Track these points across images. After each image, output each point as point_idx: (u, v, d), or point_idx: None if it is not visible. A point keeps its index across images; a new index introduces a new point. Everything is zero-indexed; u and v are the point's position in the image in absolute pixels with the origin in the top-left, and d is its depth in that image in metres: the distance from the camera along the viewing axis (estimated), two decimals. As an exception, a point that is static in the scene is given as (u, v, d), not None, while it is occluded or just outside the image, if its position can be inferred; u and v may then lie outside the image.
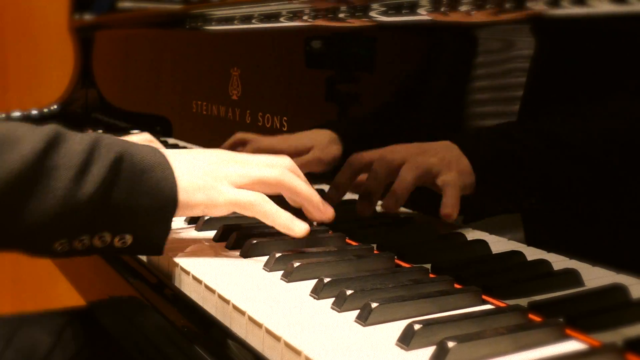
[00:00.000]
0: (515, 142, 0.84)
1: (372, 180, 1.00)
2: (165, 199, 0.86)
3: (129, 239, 0.86)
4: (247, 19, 1.35)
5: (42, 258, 0.89)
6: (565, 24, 0.77)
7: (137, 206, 0.85)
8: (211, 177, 0.91)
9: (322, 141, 1.15)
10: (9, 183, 0.79)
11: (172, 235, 1.00)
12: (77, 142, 0.84)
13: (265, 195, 0.92)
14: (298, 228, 0.92)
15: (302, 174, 0.97)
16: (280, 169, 0.95)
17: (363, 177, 1.03)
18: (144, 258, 0.99)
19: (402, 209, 1.00)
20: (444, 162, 0.91)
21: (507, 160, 0.85)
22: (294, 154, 1.08)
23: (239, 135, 1.33)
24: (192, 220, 1.08)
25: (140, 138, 1.27)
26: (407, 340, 0.65)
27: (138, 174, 0.85)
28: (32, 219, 0.81)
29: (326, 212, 0.97)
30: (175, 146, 1.65)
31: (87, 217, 0.83)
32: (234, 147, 1.34)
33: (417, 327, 0.65)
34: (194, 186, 0.89)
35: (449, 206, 0.90)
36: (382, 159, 0.99)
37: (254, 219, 0.99)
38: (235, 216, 1.07)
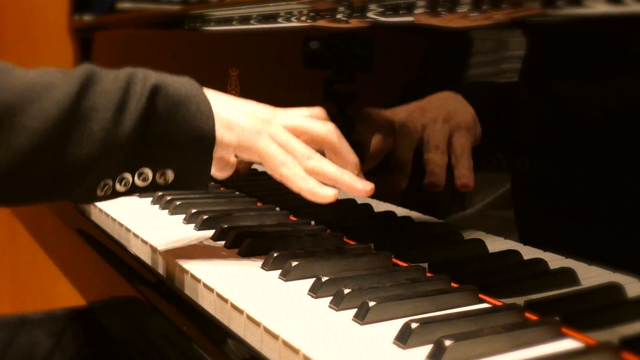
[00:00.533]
0: (507, 143, 0.84)
1: (401, 152, 0.95)
2: (201, 132, 0.83)
3: (170, 174, 0.85)
4: (245, 19, 1.35)
5: (87, 203, 0.86)
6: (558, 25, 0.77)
7: (174, 139, 0.83)
8: (252, 118, 0.87)
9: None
10: (47, 131, 0.77)
11: (171, 236, 1.00)
12: (111, 80, 0.82)
13: (294, 159, 0.86)
14: (324, 192, 0.84)
15: (343, 143, 0.90)
16: (330, 126, 0.90)
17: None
18: (143, 257, 1.00)
19: (399, 209, 1.00)
20: (453, 122, 0.88)
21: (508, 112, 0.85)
22: None
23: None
24: (191, 220, 1.08)
25: None
26: (404, 338, 0.65)
27: (174, 107, 0.82)
28: (74, 164, 0.79)
29: (365, 185, 0.87)
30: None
31: (127, 155, 0.82)
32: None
33: (414, 325, 0.66)
34: (233, 122, 0.85)
35: (464, 176, 0.87)
36: (403, 129, 0.94)
37: (250, 219, 1.00)
38: (233, 217, 1.07)
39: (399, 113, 0.96)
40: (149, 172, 0.84)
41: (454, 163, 0.89)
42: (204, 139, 0.84)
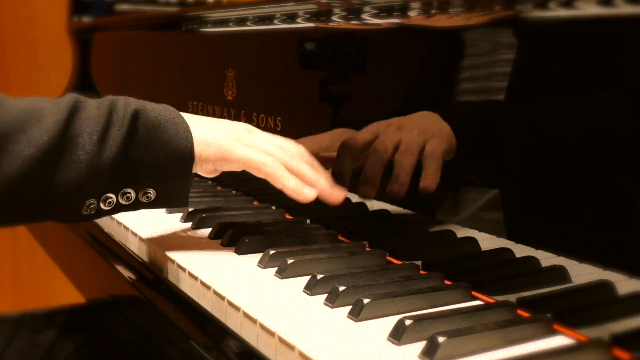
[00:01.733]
0: (499, 143, 0.84)
1: (373, 165, 0.96)
2: (181, 152, 0.87)
3: (152, 193, 0.88)
4: (241, 21, 1.35)
5: (73, 223, 0.89)
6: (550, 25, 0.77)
7: (155, 160, 0.86)
8: (227, 134, 0.91)
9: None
10: (38, 157, 0.80)
11: (169, 233, 1.00)
12: (94, 107, 0.85)
13: (277, 160, 0.90)
14: (307, 191, 0.90)
15: (314, 161, 0.95)
16: (292, 153, 0.93)
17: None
18: (142, 255, 0.99)
19: (394, 207, 1.00)
20: (428, 134, 0.90)
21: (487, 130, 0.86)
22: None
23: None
24: (189, 219, 1.08)
25: None
26: (398, 335, 0.65)
27: (154, 130, 0.86)
28: (61, 187, 0.82)
29: (338, 195, 0.93)
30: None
31: (110, 176, 0.85)
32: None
33: (408, 322, 0.65)
34: (209, 139, 0.89)
35: (428, 178, 0.89)
36: (382, 144, 0.95)
37: (247, 218, 0.99)
38: (230, 214, 1.07)
39: (378, 129, 0.97)
40: (132, 192, 0.88)
41: (423, 166, 0.90)
42: (183, 158, 0.87)
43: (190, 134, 0.88)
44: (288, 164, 0.91)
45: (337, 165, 0.99)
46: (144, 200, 0.88)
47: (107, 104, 0.86)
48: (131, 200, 0.88)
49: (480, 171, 0.88)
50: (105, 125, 0.84)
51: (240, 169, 0.92)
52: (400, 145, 0.93)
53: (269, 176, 0.90)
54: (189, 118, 0.90)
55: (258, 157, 0.90)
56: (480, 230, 0.88)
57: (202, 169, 0.92)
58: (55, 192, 0.82)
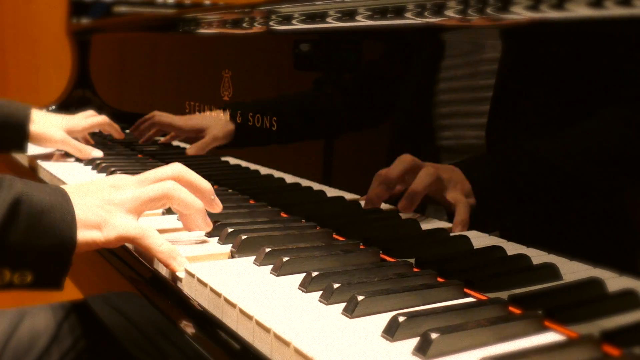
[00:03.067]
0: (492, 142, 0.84)
1: (408, 206, 0.97)
2: (63, 239, 0.85)
3: (28, 275, 0.85)
4: (238, 22, 1.35)
5: None
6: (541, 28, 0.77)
7: (36, 245, 0.83)
8: (107, 209, 0.90)
9: (216, 123, 1.36)
10: None
11: (166, 231, 1.00)
12: None
13: (151, 228, 0.91)
14: (178, 262, 0.89)
15: (194, 176, 0.98)
16: (166, 184, 0.95)
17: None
18: (138, 253, 0.99)
19: (388, 206, 0.99)
20: (453, 182, 0.90)
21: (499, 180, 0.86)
22: (194, 133, 1.42)
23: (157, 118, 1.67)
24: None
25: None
26: (392, 331, 0.65)
27: (37, 215, 0.84)
28: None
29: (208, 223, 0.98)
30: (169, 146, 1.65)
31: None
32: (149, 128, 1.68)
33: (401, 319, 0.65)
34: (91, 223, 0.88)
35: (460, 223, 0.89)
36: (419, 186, 0.95)
37: (242, 216, 0.99)
38: (225, 213, 1.07)
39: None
40: (7, 273, 0.84)
41: (455, 209, 0.90)
42: (65, 245, 0.85)
43: (75, 219, 0.86)
44: (169, 195, 0.94)
45: (370, 194, 1.02)
46: (18, 282, 0.85)
47: None
48: (5, 281, 0.84)
49: (474, 174, 0.87)
50: None
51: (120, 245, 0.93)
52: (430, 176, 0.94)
53: (143, 249, 0.90)
54: (75, 197, 0.89)
55: (132, 231, 0.90)
56: (472, 229, 0.88)
57: (90, 249, 0.91)
58: None
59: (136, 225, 0.90)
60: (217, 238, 0.98)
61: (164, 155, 1.63)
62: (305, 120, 1.18)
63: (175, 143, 1.63)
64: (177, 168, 0.98)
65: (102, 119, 1.78)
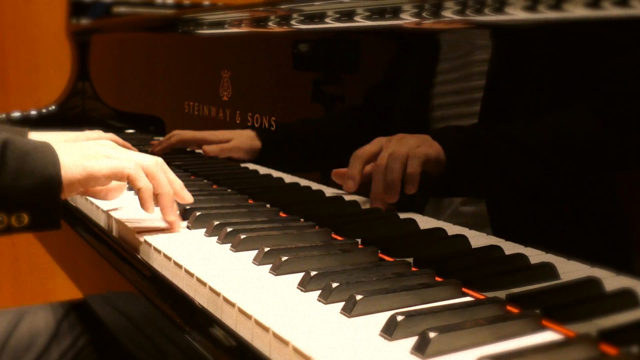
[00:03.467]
0: (488, 142, 0.84)
1: (391, 173, 0.99)
2: (49, 176, 0.90)
3: (25, 217, 0.90)
4: (236, 23, 1.35)
5: None
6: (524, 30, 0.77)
7: (25, 186, 0.88)
8: (93, 154, 0.97)
9: (241, 135, 1.34)
10: None
11: (166, 231, 1.00)
12: None
13: (140, 169, 0.98)
14: (151, 207, 0.99)
15: (170, 172, 1.04)
16: (151, 161, 1.01)
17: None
18: (139, 252, 0.99)
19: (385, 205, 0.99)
20: (416, 146, 0.94)
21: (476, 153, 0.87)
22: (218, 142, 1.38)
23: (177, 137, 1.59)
24: (184, 217, 1.08)
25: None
26: (390, 330, 0.65)
27: (22, 157, 0.89)
28: None
29: (174, 221, 1.02)
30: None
31: None
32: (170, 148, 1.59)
33: (399, 318, 0.65)
34: (75, 162, 0.94)
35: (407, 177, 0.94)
36: (392, 155, 0.98)
37: (242, 216, 0.99)
38: (224, 213, 1.07)
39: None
40: (4, 217, 0.89)
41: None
42: (51, 182, 0.90)
43: (58, 160, 0.91)
44: (148, 169, 0.99)
45: (349, 170, 1.05)
46: (16, 224, 0.90)
47: None
48: (4, 225, 0.89)
49: (470, 173, 0.87)
50: None
51: (109, 182, 1.01)
52: (410, 156, 0.96)
53: (130, 178, 0.98)
54: (58, 146, 0.94)
55: (119, 163, 0.97)
56: (470, 228, 0.88)
57: (72, 192, 0.97)
58: None
59: (126, 162, 0.98)
60: (216, 237, 0.97)
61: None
62: (304, 119, 1.18)
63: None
64: (160, 160, 1.03)
65: (110, 135, 1.71)
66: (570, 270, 0.73)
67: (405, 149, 0.95)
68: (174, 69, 1.70)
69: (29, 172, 0.88)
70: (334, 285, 0.74)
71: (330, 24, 1.08)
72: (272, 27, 1.23)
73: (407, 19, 0.94)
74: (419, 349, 0.61)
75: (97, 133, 1.63)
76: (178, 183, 1.04)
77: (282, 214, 1.12)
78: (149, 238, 0.97)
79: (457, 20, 0.86)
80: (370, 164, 1.02)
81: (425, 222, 0.94)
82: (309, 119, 1.17)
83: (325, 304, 0.74)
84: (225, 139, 1.38)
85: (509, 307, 0.72)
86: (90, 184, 0.97)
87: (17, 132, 1.56)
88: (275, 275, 0.83)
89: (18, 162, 0.88)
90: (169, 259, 0.89)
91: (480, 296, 0.77)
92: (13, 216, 0.89)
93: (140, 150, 1.68)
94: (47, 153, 0.91)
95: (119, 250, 1.02)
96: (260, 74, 1.31)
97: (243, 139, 1.35)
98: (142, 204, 0.99)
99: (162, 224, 1.03)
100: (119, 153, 1.00)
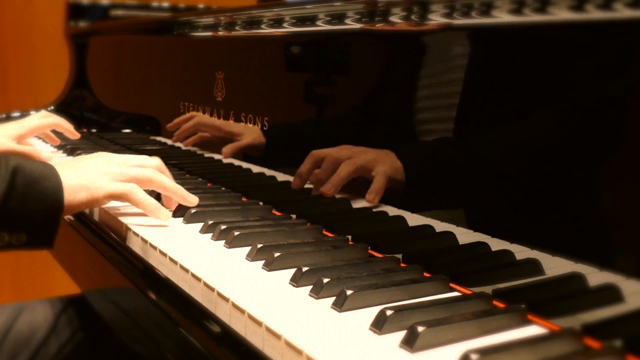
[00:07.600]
0: (451, 156, 0.86)
1: (322, 172, 1.05)
2: (52, 203, 0.93)
3: (23, 236, 0.92)
4: (230, 25, 1.34)
5: None
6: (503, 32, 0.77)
7: (30, 210, 0.92)
8: (93, 175, 1.01)
9: (252, 131, 1.30)
10: None
11: (162, 228, 0.99)
12: None
13: (137, 187, 1.02)
14: (164, 214, 1.03)
15: (168, 172, 1.10)
16: (149, 169, 1.06)
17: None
18: (136, 249, 0.99)
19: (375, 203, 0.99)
20: (379, 160, 0.96)
21: (438, 169, 0.90)
22: (230, 136, 1.34)
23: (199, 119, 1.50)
24: (179, 214, 1.07)
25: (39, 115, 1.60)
26: (379, 325, 0.65)
27: (30, 184, 0.92)
28: None
29: (191, 200, 1.08)
30: (164, 144, 1.64)
31: None
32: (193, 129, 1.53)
33: (389, 312, 0.65)
34: (78, 187, 0.98)
35: (373, 192, 0.96)
36: (332, 155, 1.04)
37: (235, 213, 0.99)
38: (219, 210, 1.07)
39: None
40: (6, 236, 0.92)
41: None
42: (54, 207, 0.94)
43: (61, 186, 0.95)
44: (152, 179, 1.05)
45: (300, 169, 1.10)
46: (15, 242, 0.93)
47: None
48: (4, 242, 0.92)
49: (456, 171, 0.87)
50: None
51: (108, 203, 1.06)
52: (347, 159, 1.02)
53: (132, 203, 1.02)
54: (62, 169, 0.97)
55: (120, 188, 1.01)
56: (457, 225, 0.87)
57: (72, 213, 1.06)
58: None
59: (124, 184, 1.01)
60: (210, 234, 0.97)
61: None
62: (296, 120, 1.18)
63: (170, 142, 1.62)
64: (158, 162, 1.09)
65: (52, 120, 1.62)
66: (554, 266, 0.73)
67: (348, 155, 1.01)
68: (169, 70, 1.69)
69: (35, 198, 0.92)
70: (325, 280, 0.74)
71: (321, 26, 1.08)
72: (265, 29, 1.23)
73: (396, 21, 0.94)
74: (408, 342, 0.61)
75: (43, 113, 1.67)
76: (179, 188, 1.08)
77: (274, 212, 1.12)
78: (146, 236, 0.97)
79: (445, 23, 0.86)
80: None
81: (413, 220, 0.94)
82: (301, 119, 1.17)
83: (316, 298, 0.73)
84: (238, 132, 1.37)
85: (495, 302, 0.72)
86: (92, 206, 1.03)
87: None
88: (268, 271, 0.83)
89: (26, 188, 0.91)
90: (165, 255, 0.89)
91: (467, 291, 0.76)
92: (14, 235, 0.92)
93: (138, 151, 1.69)
94: (52, 178, 0.94)
95: (117, 247, 1.02)
96: (253, 76, 1.31)
97: (255, 135, 1.33)
98: (152, 216, 1.04)
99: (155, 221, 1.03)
100: (118, 168, 1.03)
